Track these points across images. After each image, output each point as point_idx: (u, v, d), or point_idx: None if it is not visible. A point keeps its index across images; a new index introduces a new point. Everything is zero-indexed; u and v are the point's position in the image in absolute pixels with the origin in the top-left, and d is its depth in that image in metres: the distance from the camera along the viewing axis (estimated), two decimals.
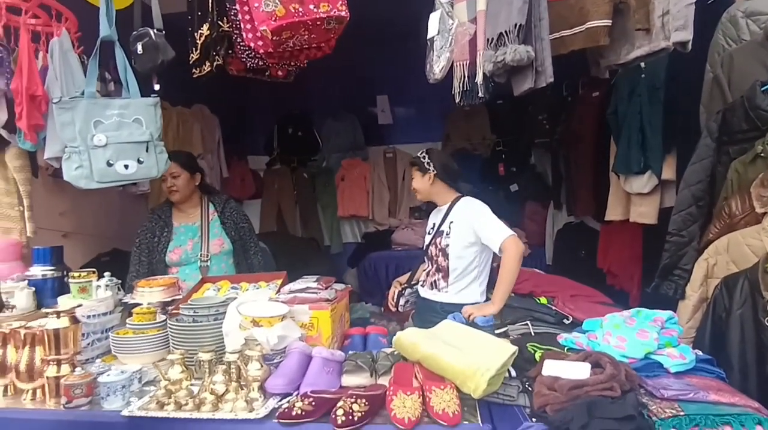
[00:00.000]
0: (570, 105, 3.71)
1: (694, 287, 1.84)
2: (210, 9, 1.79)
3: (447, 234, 2.02)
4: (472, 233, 1.96)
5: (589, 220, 3.70)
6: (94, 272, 1.77)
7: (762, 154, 1.64)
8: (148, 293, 1.83)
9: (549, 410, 1.19)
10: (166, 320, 1.69)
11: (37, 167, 2.15)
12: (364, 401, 1.24)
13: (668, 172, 2.37)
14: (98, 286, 1.76)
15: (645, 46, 1.64)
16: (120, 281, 1.92)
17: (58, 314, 1.45)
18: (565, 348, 1.48)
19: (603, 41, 1.63)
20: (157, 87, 1.96)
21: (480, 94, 1.77)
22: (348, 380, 1.44)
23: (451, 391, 1.26)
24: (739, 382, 1.57)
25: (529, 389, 1.34)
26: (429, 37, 1.79)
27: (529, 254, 4.34)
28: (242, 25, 1.72)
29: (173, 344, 1.57)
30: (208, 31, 1.81)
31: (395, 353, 1.52)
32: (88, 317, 1.66)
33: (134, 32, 1.85)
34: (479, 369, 1.25)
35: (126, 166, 1.89)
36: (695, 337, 1.81)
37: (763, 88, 1.64)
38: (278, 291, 1.78)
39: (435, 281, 2.06)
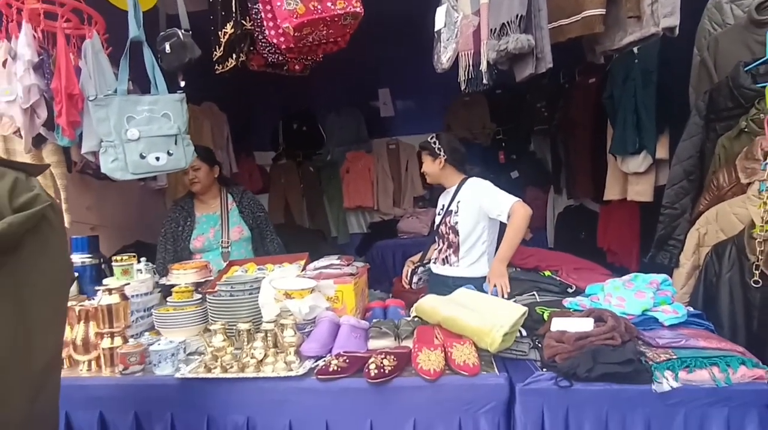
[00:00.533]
0: (567, 92, 3.84)
1: (687, 255, 1.99)
2: (233, 9, 1.93)
3: (456, 212, 2.17)
4: (479, 209, 2.10)
5: (588, 202, 3.85)
6: (134, 256, 1.92)
7: (746, 130, 1.78)
8: (183, 275, 1.98)
9: (558, 359, 1.35)
10: (201, 298, 1.84)
11: (71, 163, 2.28)
12: (392, 357, 1.39)
13: (662, 151, 2.51)
14: (138, 269, 1.91)
15: (637, 32, 1.78)
16: (155, 266, 2.06)
17: (110, 290, 1.60)
18: (571, 310, 1.63)
19: (598, 29, 1.77)
20: (182, 84, 2.10)
21: (484, 81, 1.91)
22: (374, 343, 1.59)
23: (470, 346, 1.42)
24: (729, 339, 1.71)
25: (539, 345, 1.50)
26: (436, 29, 1.92)
27: (531, 238, 4.51)
28: (264, 23, 1.86)
29: (212, 317, 1.72)
30: (232, 30, 1.94)
31: (415, 319, 1.68)
32: (133, 296, 1.80)
33: (162, 33, 1.98)
34: (494, 326, 1.40)
35: (157, 158, 2.03)
36: (689, 301, 1.96)
37: (746, 69, 1.77)
38: (304, 269, 1.93)
39: (446, 257, 2.20)
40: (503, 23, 1.78)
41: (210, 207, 2.49)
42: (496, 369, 1.40)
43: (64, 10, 1.95)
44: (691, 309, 1.58)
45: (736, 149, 1.80)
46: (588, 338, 1.34)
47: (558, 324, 1.44)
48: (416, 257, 2.43)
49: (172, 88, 2.10)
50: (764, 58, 1.74)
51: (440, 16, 1.88)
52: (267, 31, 1.87)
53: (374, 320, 1.71)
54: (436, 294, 2.20)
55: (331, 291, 1.79)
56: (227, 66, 2.07)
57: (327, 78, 4.79)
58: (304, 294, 1.67)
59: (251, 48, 2.03)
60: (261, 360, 1.50)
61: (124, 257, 1.86)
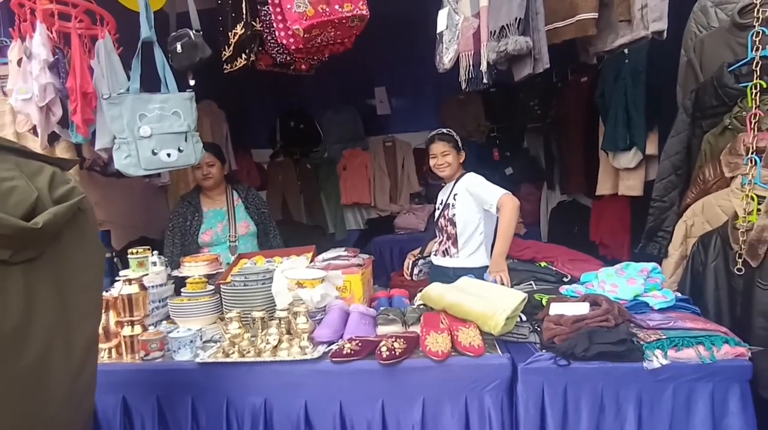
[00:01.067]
0: (560, 91, 3.95)
1: (675, 245, 2.10)
2: (243, 10, 2.00)
3: (453, 206, 2.27)
4: (473, 200, 2.20)
5: (580, 197, 3.96)
6: (149, 249, 1.98)
7: (730, 127, 1.89)
8: (194, 267, 2.05)
9: (557, 340, 1.45)
10: (213, 289, 1.92)
11: (83, 160, 2.34)
12: (402, 340, 1.48)
13: (651, 147, 2.63)
14: (153, 261, 1.97)
15: (627, 35, 1.89)
16: (167, 259, 2.13)
17: (129, 280, 1.67)
18: (567, 296, 1.74)
19: (591, 31, 1.87)
20: (192, 83, 2.17)
21: (484, 81, 2.00)
22: (383, 329, 1.68)
23: (475, 329, 1.51)
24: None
25: (538, 329, 1.60)
26: (438, 31, 2.01)
27: (525, 233, 4.63)
28: (274, 25, 1.93)
29: (227, 306, 1.80)
30: (242, 30, 2.01)
31: (420, 307, 1.77)
32: (149, 287, 1.87)
33: (173, 33, 2.05)
34: (497, 311, 1.49)
35: (168, 155, 2.10)
36: (677, 289, 2.06)
37: (729, 69, 1.88)
38: (312, 260, 2.01)
39: (446, 248, 2.30)
40: (502, 26, 1.88)
41: (216, 202, 2.56)
42: (499, 351, 1.49)
43: (77, 11, 2.00)
44: (679, 294, 1.69)
45: (721, 145, 1.90)
46: (584, 320, 1.44)
47: (556, 308, 1.55)
48: (416, 251, 2.52)
49: (181, 86, 2.17)
50: (746, 60, 1.85)
51: (442, 18, 1.97)
52: (276, 33, 1.94)
53: (381, 308, 1.79)
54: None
55: (339, 281, 1.87)
56: (236, 65, 2.14)
57: (324, 76, 4.83)
58: (315, 284, 1.76)
59: (260, 48, 2.11)
60: (276, 346, 1.59)
61: (139, 250, 1.93)
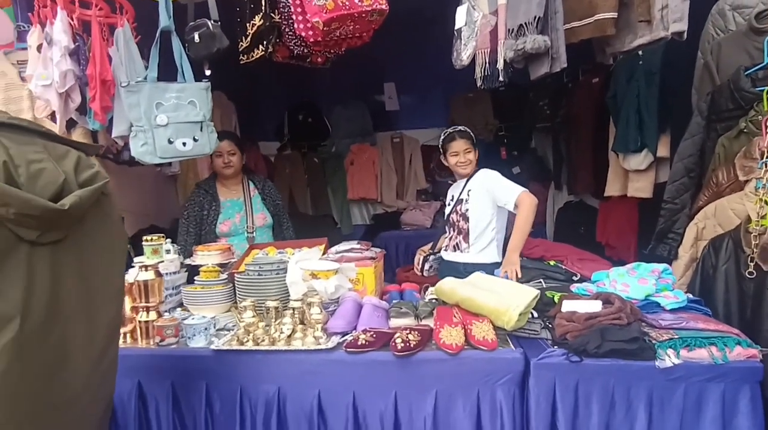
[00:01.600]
0: (570, 91, 3.95)
1: (685, 248, 2.11)
2: (262, 1, 2.00)
3: (466, 201, 2.28)
4: (488, 196, 2.22)
5: (588, 198, 3.97)
6: (163, 236, 2.00)
7: (745, 130, 1.89)
8: (207, 256, 2.07)
9: (569, 337, 1.46)
10: (226, 278, 1.94)
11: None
12: (416, 333, 1.49)
13: (663, 149, 2.63)
14: (167, 249, 1.99)
15: (646, 36, 1.89)
16: (179, 247, 2.15)
17: (145, 267, 1.69)
18: (578, 294, 1.75)
19: (609, 31, 1.87)
20: (208, 73, 2.18)
21: (500, 79, 2.01)
22: (395, 322, 1.69)
23: (488, 324, 1.53)
24: None
25: (550, 326, 1.61)
26: (456, 27, 2.02)
27: (531, 232, 4.64)
28: (294, 17, 1.94)
29: (240, 295, 1.81)
30: (261, 22, 2.02)
31: (433, 301, 1.78)
32: (163, 274, 1.88)
33: (191, 23, 2.06)
34: (511, 306, 1.51)
35: (184, 144, 2.12)
36: (686, 291, 2.08)
37: (746, 73, 1.89)
38: (325, 252, 2.03)
39: (457, 243, 2.31)
40: (521, 24, 1.88)
41: (233, 192, 2.56)
42: (512, 345, 1.51)
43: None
44: (691, 296, 1.70)
45: (735, 149, 1.91)
46: (597, 318, 1.46)
47: (568, 306, 1.56)
48: (426, 247, 2.54)
49: (198, 76, 2.18)
50: (763, 64, 1.85)
51: (461, 15, 1.98)
52: (295, 24, 1.95)
53: (393, 301, 1.81)
54: None
55: (352, 273, 1.89)
56: (253, 57, 2.15)
57: (333, 71, 4.83)
58: (329, 275, 1.77)
59: (278, 40, 2.11)
60: (290, 335, 1.61)
61: (154, 237, 1.94)
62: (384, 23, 2.26)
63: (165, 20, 2.04)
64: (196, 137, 2.15)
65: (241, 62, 2.22)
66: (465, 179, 2.36)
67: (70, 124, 2.16)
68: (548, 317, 1.63)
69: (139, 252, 2.02)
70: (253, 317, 1.63)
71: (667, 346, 1.40)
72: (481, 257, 2.25)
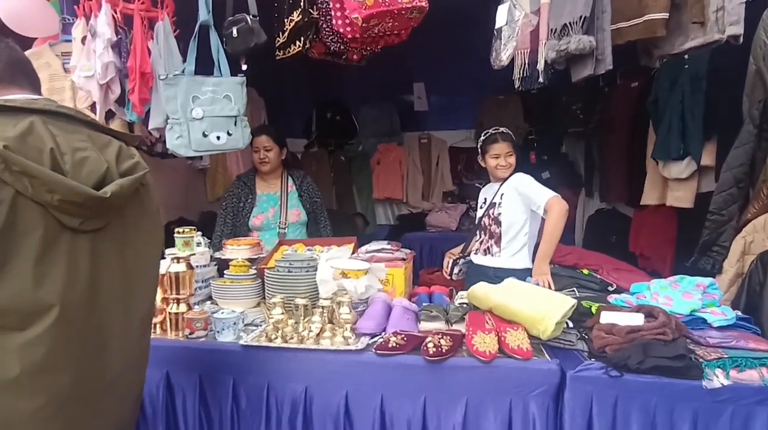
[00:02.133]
0: (606, 95, 3.84)
1: (731, 262, 2.01)
2: None
3: (499, 204, 2.23)
4: (521, 200, 2.16)
5: (621, 206, 3.85)
6: (194, 229, 2.01)
7: None
8: (236, 250, 2.07)
9: (608, 350, 1.40)
10: (256, 273, 1.93)
11: None
12: (448, 338, 1.46)
13: (707, 158, 2.52)
14: (198, 242, 2.00)
15: (699, 38, 1.80)
16: (209, 241, 2.16)
17: (177, 259, 1.69)
18: (617, 305, 1.68)
19: (660, 32, 1.79)
20: (244, 67, 2.18)
21: (540, 80, 1.95)
22: (425, 325, 1.65)
23: (523, 332, 1.48)
24: None
25: (586, 337, 1.55)
26: (497, 27, 1.96)
27: (561, 240, 4.53)
28: (333, 12, 1.93)
29: (270, 291, 1.80)
30: (299, 17, 2.01)
31: (464, 305, 1.74)
32: (195, 267, 1.89)
33: (230, 17, 2.06)
34: (547, 314, 1.46)
35: (218, 137, 2.13)
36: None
37: None
38: (354, 252, 2.00)
39: (488, 247, 2.26)
40: (565, 24, 1.82)
41: (271, 186, 2.55)
42: (547, 356, 1.46)
43: None
44: (739, 313, 1.61)
45: None
46: (639, 331, 1.39)
47: (608, 317, 1.49)
48: (456, 250, 2.49)
49: (233, 71, 2.19)
50: None
51: (502, 14, 1.92)
52: (333, 20, 1.94)
53: (424, 304, 1.77)
54: (474, 284, 2.29)
55: (382, 274, 1.86)
56: (289, 52, 2.15)
57: (362, 69, 4.81)
58: (360, 274, 1.75)
59: (315, 36, 2.10)
60: (318, 334, 1.59)
61: (186, 230, 1.95)
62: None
63: (204, 14, 2.06)
64: (230, 132, 2.16)
65: (277, 58, 2.22)
66: (499, 182, 2.31)
67: (109, 115, 2.19)
68: (585, 327, 1.57)
69: (169, 244, 2.04)
70: (282, 313, 1.62)
71: (716, 365, 1.33)
72: (512, 263, 2.19)
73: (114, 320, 1.09)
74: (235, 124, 2.17)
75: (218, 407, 1.57)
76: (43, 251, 0.93)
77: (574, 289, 2.02)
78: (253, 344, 1.54)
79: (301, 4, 2.00)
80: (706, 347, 1.40)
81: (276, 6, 2.15)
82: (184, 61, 2.10)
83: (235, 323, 1.63)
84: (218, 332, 1.62)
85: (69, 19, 2.26)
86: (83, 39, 2.02)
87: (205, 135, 2.10)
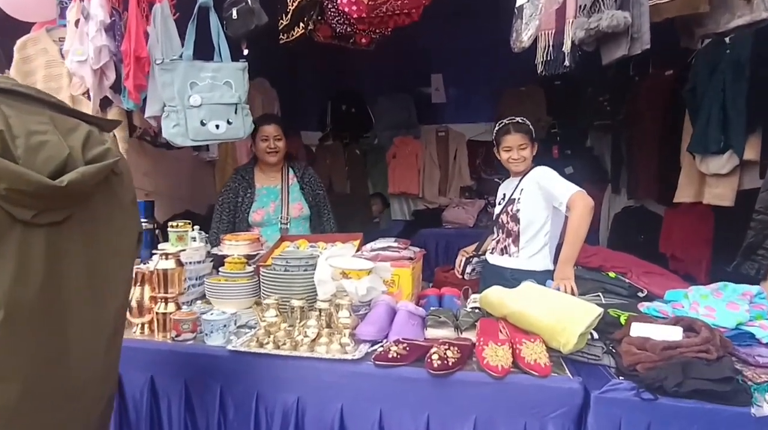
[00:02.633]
0: (637, 84, 3.59)
1: None
2: None
3: (518, 200, 2.05)
4: (542, 197, 1.98)
5: (650, 203, 3.61)
6: (189, 223, 1.90)
7: None
8: (234, 246, 1.95)
9: (640, 368, 1.22)
10: (252, 271, 1.81)
11: (133, 128, 2.29)
12: (456, 349, 1.30)
13: (751, 152, 2.28)
14: (193, 236, 1.89)
15: (746, 16, 1.60)
16: (207, 235, 2.05)
17: (166, 255, 1.58)
18: (649, 315, 1.49)
19: (703, 8, 1.59)
20: (245, 52, 2.05)
21: (566, 63, 1.76)
22: (432, 332, 1.50)
23: (541, 344, 1.31)
24: None
25: (613, 350, 1.37)
26: (518, 5, 1.78)
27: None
28: None
29: (265, 291, 1.68)
30: None
31: (476, 311, 1.58)
32: (186, 263, 1.78)
33: None
34: (569, 325, 1.28)
35: (217, 126, 2.01)
36: None
37: None
38: (359, 249, 1.86)
39: (505, 247, 2.09)
40: None
41: (271, 179, 2.43)
42: (568, 372, 1.28)
43: None
44: None
45: None
46: (677, 348, 1.21)
47: (640, 330, 1.31)
48: (470, 248, 2.32)
49: (235, 56, 2.07)
50: None
51: None
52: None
53: (431, 309, 1.62)
54: (490, 286, 2.11)
55: (387, 274, 1.71)
56: (293, 35, 2.01)
57: (379, 60, 4.68)
58: (362, 275, 1.60)
59: (319, 17, 1.96)
60: (314, 339, 1.45)
61: (180, 224, 1.85)
62: (433, 11, 2.06)
63: None
64: (230, 120, 2.04)
65: (281, 42, 2.08)
66: (519, 177, 2.13)
67: (106, 103, 2.10)
68: (612, 340, 1.39)
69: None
70: (276, 316, 1.49)
71: (766, 390, 1.14)
72: (530, 264, 2.01)
73: (79, 322, 0.97)
74: (236, 113, 2.05)
75: (205, 415, 1.46)
76: None
77: (599, 294, 1.84)
78: (242, 349, 1.41)
79: None
80: (755, 368, 1.22)
81: None
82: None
83: (225, 326, 1.51)
84: (207, 334, 1.50)
85: (66, 3, 2.17)
86: (77, 22, 1.92)
87: (203, 123, 1.98)
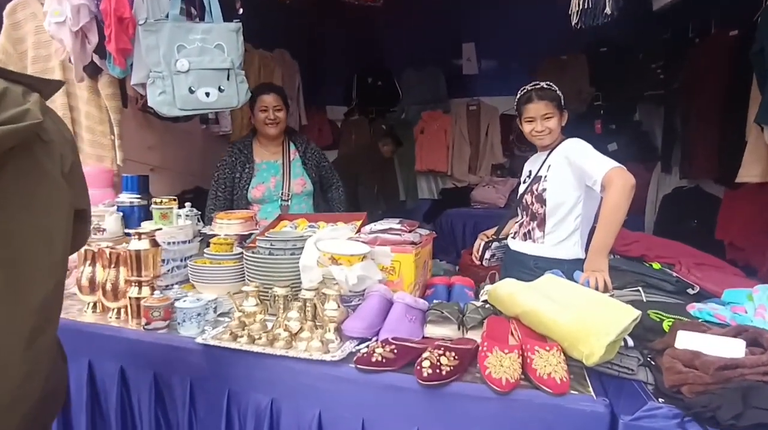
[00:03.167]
0: (696, 48, 3.15)
1: None
2: None
3: (545, 178, 1.77)
4: (572, 174, 1.69)
5: (707, 183, 3.20)
6: (174, 200, 1.75)
7: None
8: (226, 225, 1.79)
9: (687, 391, 0.96)
10: (241, 253, 1.64)
11: (126, 97, 2.16)
12: (453, 354, 1.08)
13: None
14: (179, 214, 1.74)
15: None
16: (200, 213, 1.89)
17: (139, 235, 1.43)
18: (700, 320, 1.21)
19: None
20: (240, 11, 1.85)
21: (607, 11, 1.46)
22: (432, 330, 1.29)
23: (558, 353, 1.06)
24: None
25: (652, 363, 1.11)
26: None
27: (626, 223, 3.93)
28: None
29: (248, 276, 1.51)
30: None
31: (486, 306, 1.34)
32: (169, 243, 1.64)
33: None
34: (596, 332, 1.03)
35: (207, 94, 1.83)
36: None
37: None
38: (358, 231, 1.65)
39: (529, 231, 1.82)
40: None
41: (271, 154, 2.26)
42: (591, 389, 1.04)
43: None
44: None
45: None
46: (737, 368, 0.94)
47: (688, 340, 1.04)
48: (490, 232, 2.06)
49: (228, 16, 1.87)
50: None
51: None
52: None
53: (434, 301, 1.40)
54: (511, 274, 1.82)
55: (386, 260, 1.50)
56: None
57: (406, 30, 4.43)
58: (354, 261, 1.40)
59: None
60: (295, 334, 1.27)
61: (164, 200, 1.70)
62: None
63: None
64: (221, 87, 1.86)
65: (279, 1, 1.86)
66: (546, 151, 1.84)
67: (95, 70, 1.96)
68: (651, 350, 1.13)
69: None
70: (256, 306, 1.32)
71: None
72: (557, 252, 1.74)
73: None
74: (228, 79, 1.86)
75: (175, 411, 1.32)
76: None
77: (639, 289, 1.55)
78: (212, 343, 1.25)
79: None
80: None
81: None
82: None
83: (199, 314, 1.35)
84: (179, 323, 1.34)
85: None
86: None
87: (191, 91, 1.81)
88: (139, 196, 1.99)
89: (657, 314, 1.24)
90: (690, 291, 1.53)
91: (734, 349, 0.97)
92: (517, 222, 1.95)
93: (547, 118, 1.76)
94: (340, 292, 1.32)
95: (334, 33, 4.70)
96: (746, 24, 2.59)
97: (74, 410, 1.42)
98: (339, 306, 1.28)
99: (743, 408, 0.88)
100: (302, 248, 1.47)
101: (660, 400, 1.00)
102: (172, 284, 1.64)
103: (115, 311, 1.48)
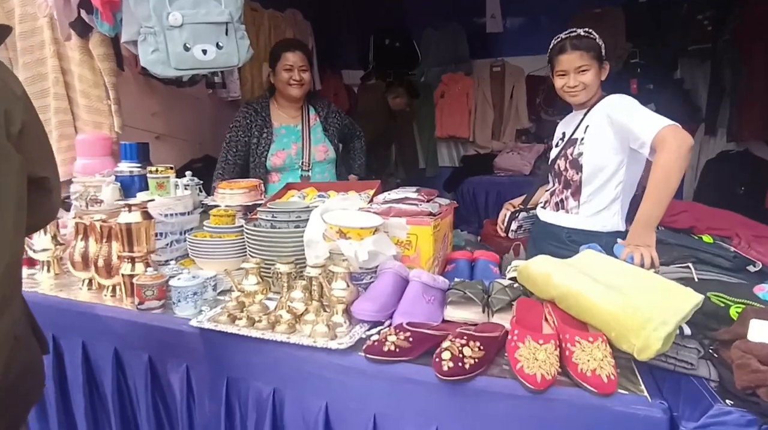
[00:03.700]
0: None
1: None
2: None
3: (581, 141, 1.56)
4: (614, 135, 1.48)
5: (758, 146, 2.92)
6: (172, 168, 1.62)
7: None
8: (228, 196, 1.66)
9: (764, 393, 0.79)
10: (242, 226, 1.50)
11: (121, 59, 2.00)
12: (478, 344, 0.93)
13: None
14: (177, 184, 1.61)
15: None
16: (202, 182, 1.76)
17: (129, 207, 1.30)
18: None
19: None
20: None
21: None
22: (453, 313, 1.14)
23: (604, 346, 0.90)
24: None
25: (715, 355, 0.94)
26: None
27: None
28: None
29: (250, 252, 1.38)
30: None
31: (515, 286, 1.18)
32: (166, 215, 1.52)
33: None
34: (651, 320, 0.86)
35: (204, 52, 1.66)
36: None
37: None
38: (371, 200, 1.49)
39: (562, 200, 1.62)
40: None
41: (291, 118, 2.08)
42: (644, 388, 0.88)
43: None
44: None
45: None
46: None
47: (761, 330, 0.87)
48: (517, 201, 1.87)
49: None
50: None
51: None
52: None
53: (456, 280, 1.24)
54: (540, 248, 1.65)
55: (402, 233, 1.34)
56: None
57: None
58: (364, 234, 1.25)
59: None
60: (300, 315, 1.14)
61: (160, 169, 1.57)
62: None
63: None
64: (219, 43, 1.68)
65: None
66: (583, 110, 1.62)
67: (85, 28, 1.80)
68: (714, 341, 0.96)
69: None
70: (257, 284, 1.19)
71: None
72: (594, 223, 1.55)
73: None
74: (227, 34, 1.68)
75: (174, 396, 1.22)
76: None
77: (689, 265, 1.36)
78: (207, 326, 1.13)
79: None
80: None
81: None
82: None
83: (195, 293, 1.23)
84: (175, 303, 1.23)
85: None
86: None
87: (187, 48, 1.63)
88: (139, 165, 1.86)
89: (719, 297, 1.06)
90: (751, 268, 1.33)
91: None
92: (547, 190, 1.76)
93: (582, 71, 1.53)
94: (350, 269, 1.18)
95: None
96: None
97: (72, 389, 1.34)
98: (348, 285, 1.14)
99: None
100: (307, 220, 1.32)
101: (728, 402, 0.83)
102: (171, 260, 1.52)
103: (110, 288, 1.37)
